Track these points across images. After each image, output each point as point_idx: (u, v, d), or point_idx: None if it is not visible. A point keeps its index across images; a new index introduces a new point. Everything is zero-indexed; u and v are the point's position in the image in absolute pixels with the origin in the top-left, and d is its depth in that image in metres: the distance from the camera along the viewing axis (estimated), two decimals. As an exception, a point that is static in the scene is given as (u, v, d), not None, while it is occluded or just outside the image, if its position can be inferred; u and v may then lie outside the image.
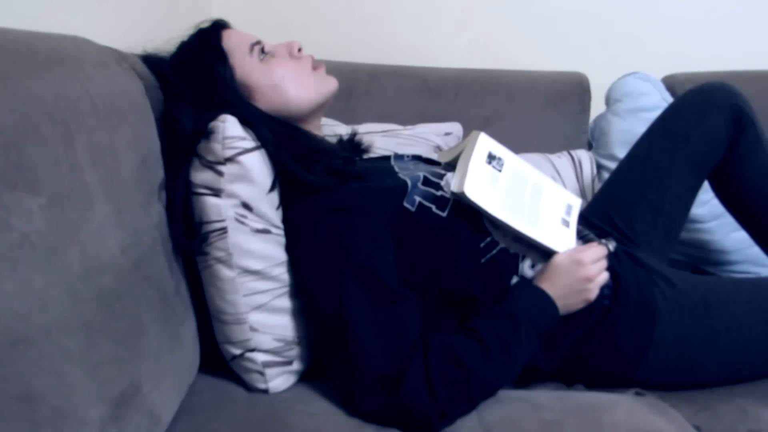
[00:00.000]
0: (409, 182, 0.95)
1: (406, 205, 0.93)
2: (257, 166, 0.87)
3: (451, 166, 1.02)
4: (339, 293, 0.83)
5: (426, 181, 0.97)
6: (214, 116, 0.86)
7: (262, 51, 1.00)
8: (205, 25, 1.02)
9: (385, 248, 0.88)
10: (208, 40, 0.98)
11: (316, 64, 1.04)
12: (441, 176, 0.99)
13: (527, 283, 0.95)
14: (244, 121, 0.88)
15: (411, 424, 0.78)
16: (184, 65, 0.97)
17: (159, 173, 0.85)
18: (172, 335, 0.78)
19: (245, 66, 0.98)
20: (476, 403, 0.82)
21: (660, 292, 1.00)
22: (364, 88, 1.54)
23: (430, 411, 0.77)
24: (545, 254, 0.96)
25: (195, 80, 0.94)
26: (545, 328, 0.91)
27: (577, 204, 1.06)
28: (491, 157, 0.99)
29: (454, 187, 0.95)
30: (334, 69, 1.44)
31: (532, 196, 1.00)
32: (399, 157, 1.12)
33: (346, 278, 0.83)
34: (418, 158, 1.14)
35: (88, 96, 0.69)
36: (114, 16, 1.10)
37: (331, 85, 1.03)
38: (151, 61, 0.97)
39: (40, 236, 0.55)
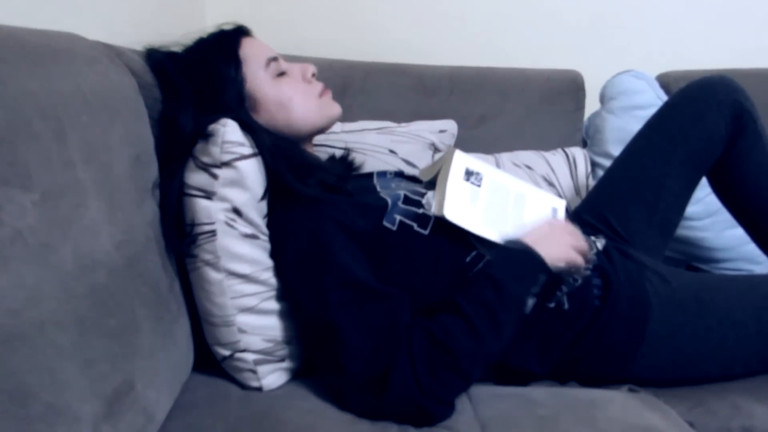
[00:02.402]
0: (389, 201, 0.96)
1: (386, 224, 0.93)
2: (252, 173, 0.86)
3: (432, 183, 1.02)
4: (324, 297, 0.83)
5: (406, 200, 0.97)
6: (215, 119, 0.86)
7: (278, 68, 1.01)
8: (228, 27, 1.02)
9: (359, 262, 0.87)
10: (226, 43, 0.99)
11: (323, 91, 1.05)
12: (422, 194, 0.99)
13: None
14: (245, 127, 0.88)
15: (406, 417, 0.79)
16: (194, 62, 0.97)
17: (152, 171, 0.85)
18: (166, 332, 0.78)
19: (257, 78, 0.98)
20: (471, 377, 0.82)
21: (653, 288, 1.00)
22: (359, 85, 1.54)
23: (421, 401, 0.77)
24: None
25: (201, 81, 0.94)
26: (533, 279, 0.87)
27: (561, 206, 1.06)
28: (469, 174, 0.99)
29: (434, 209, 0.94)
30: (329, 66, 1.44)
31: (515, 206, 1.00)
32: (381, 174, 1.13)
33: (329, 282, 0.83)
34: (400, 175, 1.15)
35: (80, 92, 0.68)
36: (107, 12, 1.10)
37: (334, 110, 1.05)
38: (153, 57, 0.96)
39: (33, 232, 0.55)
